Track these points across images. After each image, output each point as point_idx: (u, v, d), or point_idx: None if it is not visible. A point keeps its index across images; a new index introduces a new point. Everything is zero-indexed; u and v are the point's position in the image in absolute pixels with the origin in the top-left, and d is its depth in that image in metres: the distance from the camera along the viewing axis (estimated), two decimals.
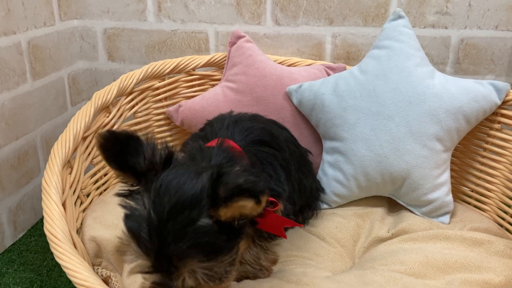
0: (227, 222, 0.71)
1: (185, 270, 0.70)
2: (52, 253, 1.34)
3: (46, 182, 1.03)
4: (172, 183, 0.73)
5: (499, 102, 1.21)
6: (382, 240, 1.18)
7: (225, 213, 0.70)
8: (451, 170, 1.29)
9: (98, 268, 1.05)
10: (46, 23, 1.51)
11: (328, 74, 1.46)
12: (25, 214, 1.48)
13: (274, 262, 1.06)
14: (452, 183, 1.27)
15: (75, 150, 1.16)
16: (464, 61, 1.57)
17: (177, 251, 0.69)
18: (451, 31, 1.54)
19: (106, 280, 1.03)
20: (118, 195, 0.78)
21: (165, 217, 0.70)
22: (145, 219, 0.71)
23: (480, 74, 1.57)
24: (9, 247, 1.40)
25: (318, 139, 1.39)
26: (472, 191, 1.34)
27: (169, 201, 0.71)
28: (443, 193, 1.22)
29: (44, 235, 1.44)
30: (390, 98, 1.22)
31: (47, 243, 1.40)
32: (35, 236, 1.46)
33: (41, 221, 1.54)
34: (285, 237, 0.90)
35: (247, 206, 0.67)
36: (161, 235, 0.70)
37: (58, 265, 1.30)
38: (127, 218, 0.74)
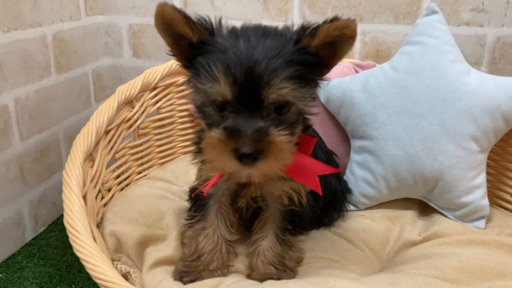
0: (314, 53, 0.78)
1: (276, 87, 0.72)
2: (72, 249, 1.33)
3: (67, 174, 1.01)
4: (251, 27, 0.80)
5: None
6: (413, 244, 1.12)
7: (325, 33, 0.76)
8: (487, 173, 1.22)
9: (118, 264, 1.02)
10: (72, 17, 1.51)
11: (357, 72, 1.41)
12: (46, 209, 1.46)
13: (299, 261, 1.01)
14: (488, 187, 1.21)
15: (97, 143, 1.14)
16: (500, 61, 1.50)
17: (269, 67, 0.72)
18: (487, 29, 1.47)
19: (125, 276, 0.99)
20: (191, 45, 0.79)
21: (253, 43, 0.74)
22: (230, 47, 0.74)
23: None
24: (29, 241, 1.39)
25: (345, 138, 1.34)
26: (510, 196, 1.27)
27: (255, 33, 0.77)
28: (478, 196, 1.15)
29: (65, 231, 1.42)
30: (423, 95, 1.16)
31: (67, 238, 1.38)
32: (56, 231, 1.45)
33: (62, 216, 1.52)
34: (320, 192, 0.84)
35: (351, 26, 0.75)
36: (250, 56, 0.72)
37: (77, 261, 1.28)
38: (204, 56, 0.76)
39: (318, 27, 0.76)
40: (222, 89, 0.73)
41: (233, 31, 0.80)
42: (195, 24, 0.77)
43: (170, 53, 0.85)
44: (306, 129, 0.88)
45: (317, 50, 0.79)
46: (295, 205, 0.92)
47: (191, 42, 0.79)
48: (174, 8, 0.76)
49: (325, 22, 0.76)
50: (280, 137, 0.75)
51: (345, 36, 0.76)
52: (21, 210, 1.36)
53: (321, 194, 0.86)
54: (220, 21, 0.81)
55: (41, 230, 1.45)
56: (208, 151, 0.77)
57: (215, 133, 0.75)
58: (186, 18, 0.77)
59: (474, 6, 1.46)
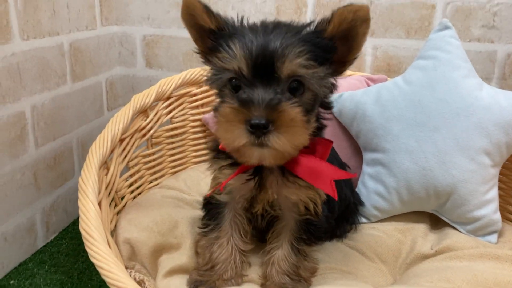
0: (329, 40, 0.80)
1: (289, 59, 0.75)
2: (83, 256, 1.34)
3: (83, 181, 1.01)
4: (271, 21, 0.84)
5: None
6: (426, 257, 1.12)
7: (340, 16, 0.77)
8: (498, 188, 1.22)
9: (131, 271, 1.02)
10: (88, 27, 1.53)
11: (369, 85, 1.43)
12: (57, 216, 1.47)
13: (314, 271, 1.01)
14: (499, 202, 1.21)
15: (112, 151, 1.15)
16: (510, 77, 1.52)
17: (284, 43, 0.75)
18: (497, 45, 1.49)
19: (139, 284, 0.99)
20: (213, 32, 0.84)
21: (271, 27, 0.78)
22: (249, 31, 0.78)
23: None
24: (41, 248, 1.39)
25: (357, 151, 1.35)
26: None
27: (273, 23, 0.81)
28: (490, 211, 1.16)
29: (76, 238, 1.44)
30: (436, 109, 1.17)
31: (78, 246, 1.39)
32: (67, 239, 1.45)
33: (72, 224, 1.53)
34: (335, 197, 0.83)
35: (364, 8, 0.77)
36: (266, 35, 0.76)
37: (88, 268, 1.29)
38: (224, 38, 0.80)
39: (333, 13, 0.79)
40: (237, 61, 0.76)
41: (254, 23, 0.84)
42: (213, 13, 0.84)
43: (196, 50, 0.90)
44: (320, 130, 0.89)
45: (332, 35, 0.80)
46: (311, 214, 0.93)
47: (213, 32, 0.84)
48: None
49: (337, 9, 0.78)
50: (293, 108, 0.76)
51: (359, 19, 0.78)
52: (34, 216, 1.36)
53: (336, 199, 0.86)
54: (242, 18, 0.85)
55: (52, 237, 1.45)
56: (221, 124, 0.78)
57: (229, 104, 0.77)
58: (205, 7, 0.83)
59: (485, 23, 1.48)
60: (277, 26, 0.80)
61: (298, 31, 0.80)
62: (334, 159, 1.06)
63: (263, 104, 0.74)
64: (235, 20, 0.85)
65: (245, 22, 0.85)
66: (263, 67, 0.76)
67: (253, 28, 0.81)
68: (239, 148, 0.77)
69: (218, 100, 0.88)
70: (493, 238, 1.16)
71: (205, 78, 0.89)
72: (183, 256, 1.03)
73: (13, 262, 1.29)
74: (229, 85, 0.81)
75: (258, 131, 0.73)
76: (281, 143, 0.74)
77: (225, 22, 0.84)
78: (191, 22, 0.86)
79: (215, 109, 0.85)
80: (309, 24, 0.83)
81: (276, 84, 0.77)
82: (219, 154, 0.93)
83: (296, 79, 0.78)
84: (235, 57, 0.77)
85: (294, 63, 0.75)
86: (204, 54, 0.89)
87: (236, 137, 0.75)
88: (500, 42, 1.49)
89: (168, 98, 1.37)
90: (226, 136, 0.77)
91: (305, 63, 0.76)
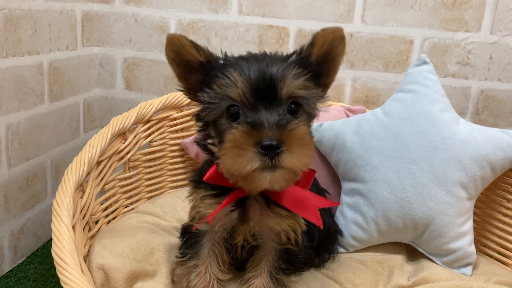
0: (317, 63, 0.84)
1: (288, 80, 0.77)
2: (52, 282, 1.30)
3: (57, 203, 0.98)
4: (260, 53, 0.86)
5: None
6: None
7: (322, 38, 0.82)
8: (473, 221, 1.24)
9: None
10: (68, 47, 1.51)
11: (348, 116, 1.45)
12: (26, 239, 1.41)
13: None
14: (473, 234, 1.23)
15: (88, 173, 1.12)
16: (483, 113, 1.56)
17: (280, 68, 0.78)
18: (471, 81, 1.54)
19: None
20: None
21: (260, 57, 0.82)
22: (240, 61, 0.81)
23: (499, 126, 1.55)
24: (7, 272, 1.33)
25: (335, 180, 1.36)
26: (494, 244, 1.29)
27: (259, 53, 0.84)
28: (466, 243, 1.17)
29: (45, 263, 1.39)
30: (414, 141, 1.20)
31: (48, 271, 1.34)
32: (35, 264, 1.39)
33: (42, 248, 1.48)
34: (321, 225, 0.83)
35: (340, 29, 0.82)
36: (261, 62, 0.79)
37: None
38: (217, 69, 0.81)
39: (314, 36, 0.83)
40: (239, 87, 0.77)
41: (241, 55, 0.86)
42: (201, 48, 0.85)
43: (179, 87, 0.89)
44: None
45: (317, 60, 0.84)
46: (291, 244, 0.92)
47: (203, 65, 0.85)
48: (182, 36, 0.84)
49: (318, 32, 0.83)
50: (302, 126, 0.77)
51: (337, 39, 0.83)
52: (1, 240, 1.31)
53: (322, 227, 0.86)
54: (225, 53, 0.88)
55: (20, 261, 1.39)
56: (229, 150, 0.75)
57: (239, 128, 0.75)
58: (193, 42, 0.84)
59: (460, 60, 1.53)
60: (266, 56, 0.82)
61: (286, 58, 0.83)
62: (314, 186, 1.06)
63: (273, 125, 0.74)
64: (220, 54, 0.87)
65: (230, 56, 0.86)
66: (264, 90, 0.77)
67: (243, 58, 0.83)
68: (248, 174, 0.74)
69: (202, 135, 0.89)
70: (468, 270, 1.18)
71: (195, 112, 0.88)
72: (158, 284, 1.00)
73: None
74: (227, 114, 0.80)
75: (271, 152, 0.72)
76: (294, 162, 0.74)
77: (214, 55, 0.86)
78: (175, 58, 0.86)
79: (199, 143, 0.88)
80: (292, 54, 0.85)
81: (278, 106, 0.78)
82: (200, 184, 0.92)
83: (294, 100, 0.79)
84: (236, 83, 0.77)
85: (293, 84, 0.78)
86: (189, 91, 0.89)
87: (248, 161, 0.73)
88: (474, 78, 1.54)
89: (148, 121, 1.35)
90: (236, 162, 0.74)
91: (304, 83, 0.79)
